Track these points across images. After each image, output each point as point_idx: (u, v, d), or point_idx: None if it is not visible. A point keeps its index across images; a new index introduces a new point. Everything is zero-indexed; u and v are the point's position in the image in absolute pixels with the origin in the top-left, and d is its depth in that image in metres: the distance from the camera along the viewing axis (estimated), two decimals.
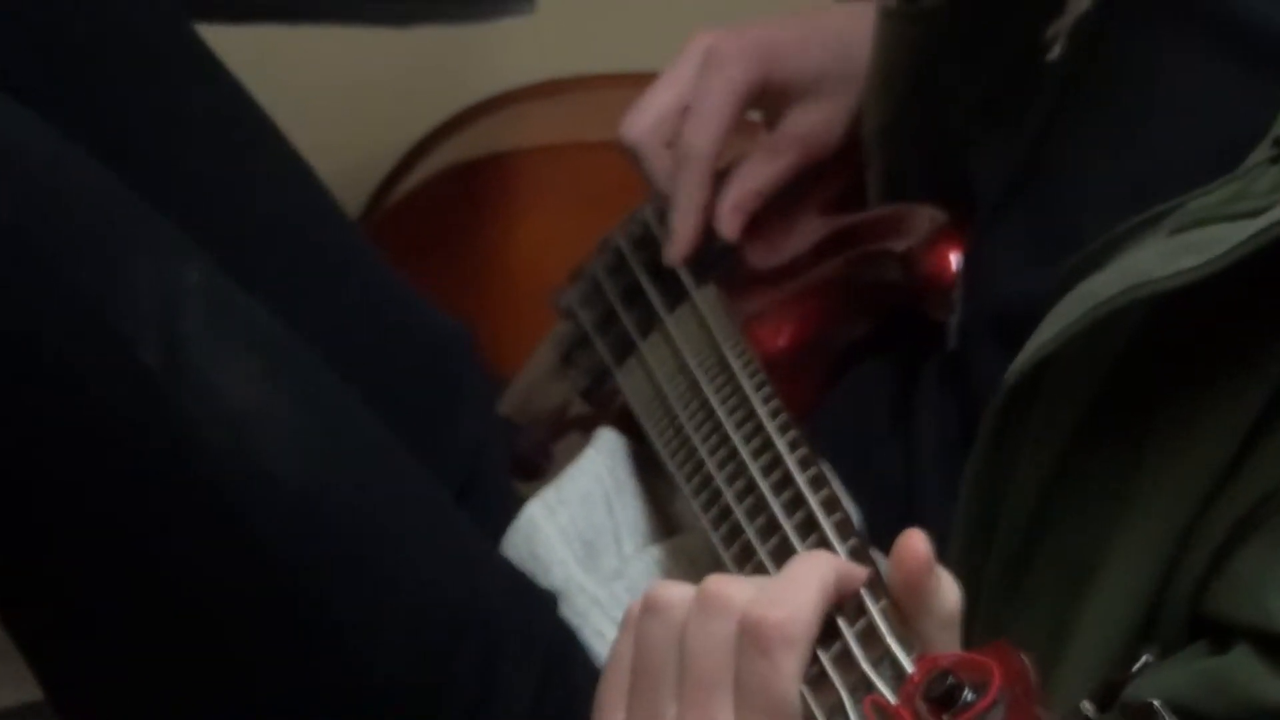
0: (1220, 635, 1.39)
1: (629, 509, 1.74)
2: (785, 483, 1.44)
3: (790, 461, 1.45)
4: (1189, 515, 1.42)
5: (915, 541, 1.20)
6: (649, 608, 1.28)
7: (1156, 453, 1.44)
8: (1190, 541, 1.41)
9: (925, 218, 1.69)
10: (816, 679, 1.23)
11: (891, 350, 1.74)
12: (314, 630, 1.67)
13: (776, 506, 1.41)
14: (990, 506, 1.45)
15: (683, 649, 1.26)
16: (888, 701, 1.15)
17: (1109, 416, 1.46)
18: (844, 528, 1.35)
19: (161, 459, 1.65)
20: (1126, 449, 1.44)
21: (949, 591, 1.23)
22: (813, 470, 1.44)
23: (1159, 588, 1.42)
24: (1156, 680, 1.29)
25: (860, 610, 1.25)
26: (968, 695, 1.10)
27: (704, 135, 1.78)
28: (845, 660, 1.22)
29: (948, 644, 1.25)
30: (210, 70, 2.00)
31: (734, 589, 1.25)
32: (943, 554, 1.32)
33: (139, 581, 1.69)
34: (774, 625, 1.21)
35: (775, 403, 1.56)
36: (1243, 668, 1.34)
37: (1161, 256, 1.39)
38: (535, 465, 1.83)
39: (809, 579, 1.25)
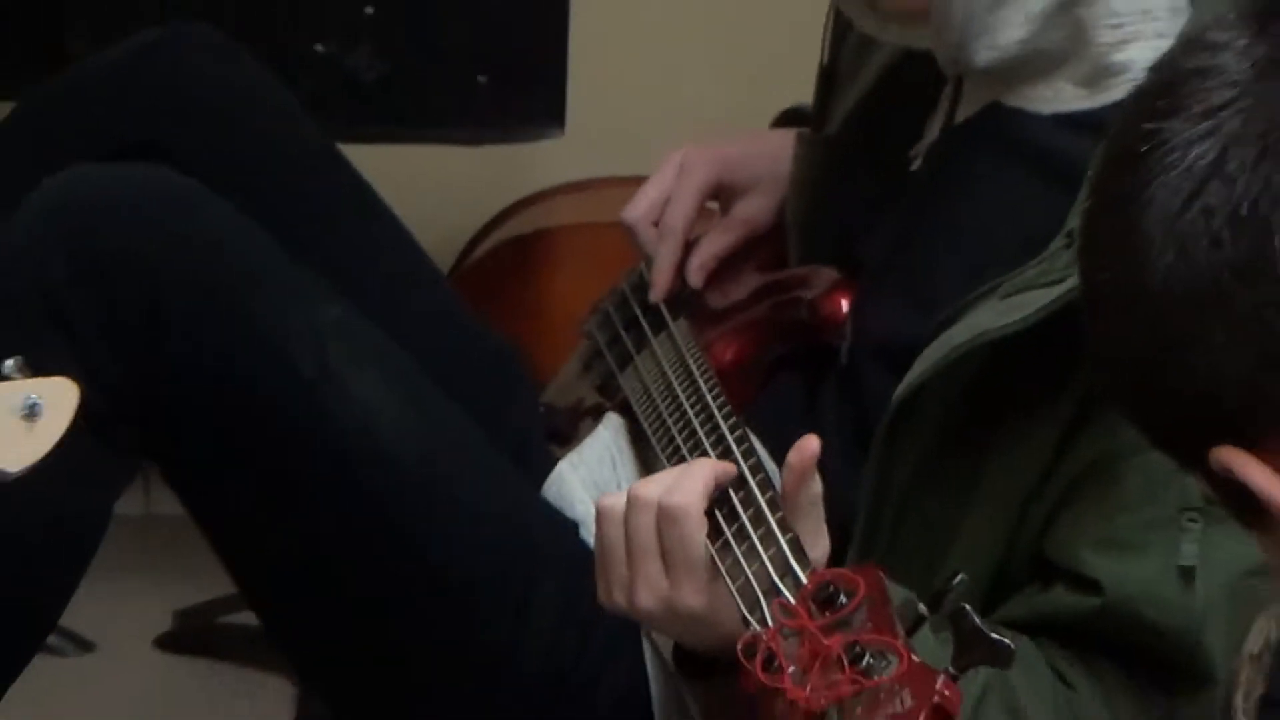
0: (1047, 576, 1.52)
1: (627, 466, 1.81)
2: (720, 440, 1.56)
3: (725, 429, 1.57)
4: (1023, 497, 1.53)
5: (811, 440, 1.39)
6: (601, 514, 1.47)
7: (997, 453, 1.54)
8: (1025, 515, 1.53)
9: (826, 275, 1.78)
10: (732, 579, 1.38)
11: (803, 365, 1.80)
12: (416, 548, 1.76)
13: (710, 450, 1.54)
14: (882, 485, 1.55)
15: (626, 535, 1.44)
16: (789, 602, 1.28)
17: (963, 427, 1.56)
18: (749, 457, 1.49)
19: (315, 441, 1.75)
20: (976, 449, 1.54)
21: (817, 483, 1.40)
22: (740, 433, 1.56)
23: (1005, 547, 1.53)
24: (1002, 612, 1.49)
25: (765, 524, 1.38)
26: (842, 599, 1.23)
27: (678, 218, 1.89)
28: (757, 570, 1.35)
29: (815, 519, 1.42)
30: (343, 169, 2.07)
31: (649, 489, 1.45)
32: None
33: (304, 522, 1.77)
34: (675, 505, 1.41)
35: (723, 398, 1.66)
36: (1057, 597, 1.49)
37: (997, 314, 1.50)
38: (565, 436, 1.90)
39: (695, 474, 1.44)
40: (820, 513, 1.42)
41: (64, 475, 1.43)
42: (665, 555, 1.42)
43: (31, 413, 1.39)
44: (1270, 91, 0.98)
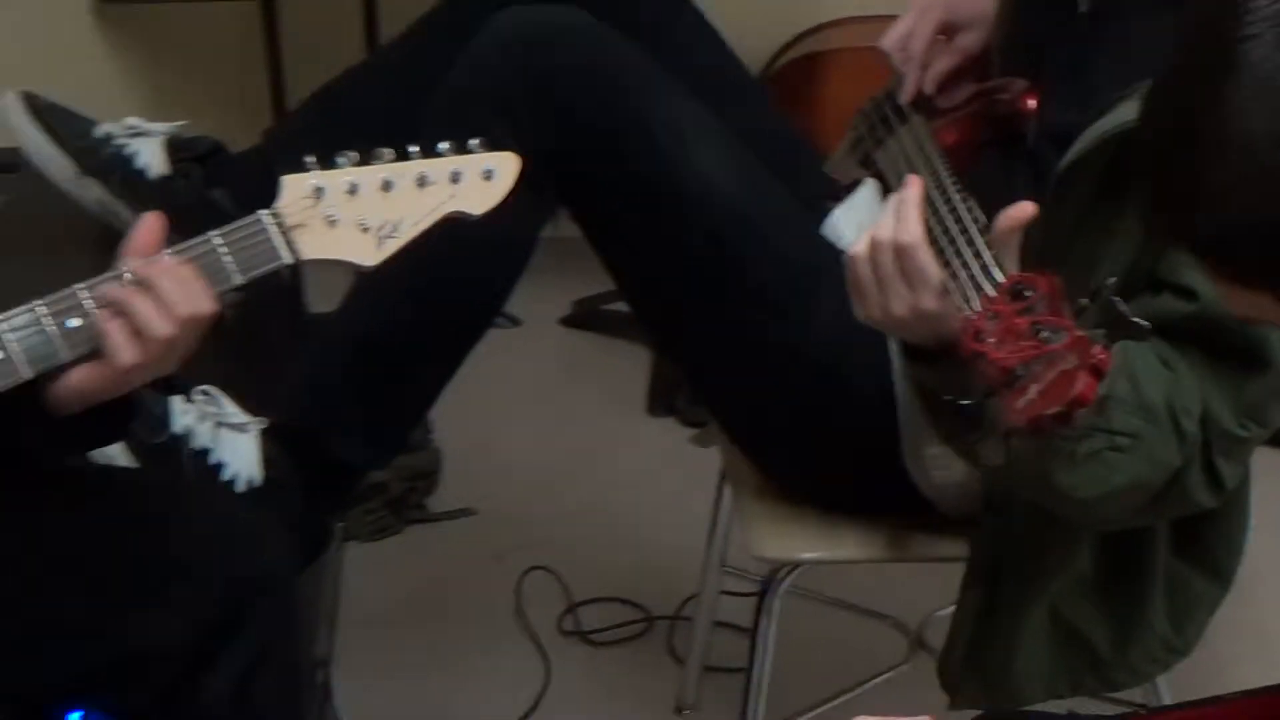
0: (1158, 287, 1.48)
1: (878, 214, 1.61)
2: (944, 193, 1.53)
3: (949, 186, 1.54)
4: (1143, 238, 1.48)
5: (1028, 205, 1.38)
6: (852, 259, 1.46)
7: (1130, 207, 1.47)
8: (1144, 248, 1.48)
9: (1019, 84, 1.74)
10: (953, 284, 1.39)
11: (1001, 146, 1.75)
12: (740, 264, 1.75)
13: (942, 206, 1.49)
14: (1053, 227, 1.48)
15: (874, 269, 1.44)
16: (991, 294, 1.30)
17: (1106, 190, 1.49)
18: (977, 218, 1.45)
19: (671, 193, 1.73)
20: (1114, 205, 1.48)
21: (1018, 236, 1.39)
22: (959, 188, 1.53)
23: (1131, 269, 1.48)
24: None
25: (974, 246, 1.40)
26: (1027, 293, 1.24)
27: (918, 45, 1.83)
28: (969, 277, 1.36)
29: (1012, 248, 1.40)
30: (690, 9, 2.03)
31: (882, 232, 1.44)
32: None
33: (661, 245, 1.77)
34: (907, 241, 1.41)
35: (947, 168, 1.62)
36: (1165, 302, 1.46)
37: (1134, 111, 1.33)
38: (837, 195, 1.86)
39: (910, 212, 1.44)
40: (1016, 243, 1.40)
41: (509, 214, 1.48)
42: (906, 276, 1.42)
43: (488, 175, 1.46)
44: None
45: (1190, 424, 1.44)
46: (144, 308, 1.29)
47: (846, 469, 1.77)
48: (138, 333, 1.30)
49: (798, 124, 2.12)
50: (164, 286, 1.30)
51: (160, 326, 1.29)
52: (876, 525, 1.77)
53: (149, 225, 1.37)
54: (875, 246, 1.44)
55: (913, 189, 1.47)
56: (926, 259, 1.41)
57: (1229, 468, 1.49)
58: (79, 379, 1.32)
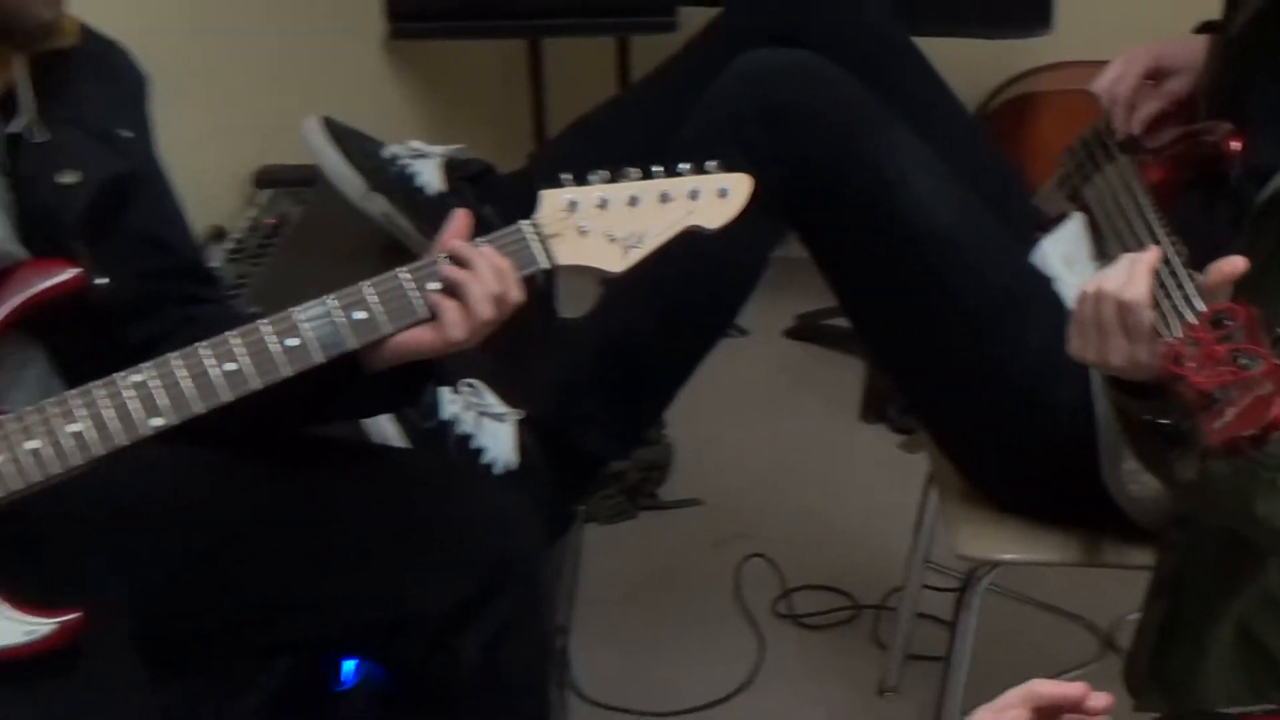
0: None
1: (1085, 246, 1.74)
2: (1150, 230, 1.52)
3: (1155, 224, 1.52)
4: None
5: (1239, 260, 1.31)
6: (1079, 299, 1.40)
7: None
8: None
9: (1223, 127, 1.68)
10: (1157, 313, 1.34)
11: (1203, 185, 1.69)
12: (953, 287, 1.72)
13: (1146, 239, 1.48)
14: (1251, 256, 1.37)
15: (1096, 317, 1.38)
16: (1191, 322, 1.26)
17: None
18: (1180, 251, 1.41)
19: (890, 219, 1.72)
20: None
21: (1228, 288, 1.32)
22: (1165, 226, 1.51)
23: None
24: None
25: (1180, 285, 1.34)
26: (1226, 322, 1.21)
27: (1126, 89, 1.79)
28: (1171, 305, 1.32)
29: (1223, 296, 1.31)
30: (912, 50, 2.01)
31: (1109, 284, 1.37)
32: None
33: (880, 266, 1.75)
34: (1131, 300, 1.34)
35: (1152, 204, 1.59)
36: None
37: None
38: (1045, 227, 1.82)
39: (1141, 273, 1.35)
40: (1227, 294, 1.33)
41: (743, 235, 1.49)
42: (1126, 330, 1.37)
43: (723, 193, 1.46)
44: None
45: None
46: (474, 288, 1.34)
47: (1046, 479, 1.72)
48: (467, 308, 1.34)
49: (1010, 160, 2.08)
50: (486, 272, 1.35)
51: (485, 308, 1.34)
52: (1072, 531, 1.73)
53: (462, 221, 1.40)
54: (1100, 296, 1.39)
55: (1151, 254, 1.41)
56: (1146, 317, 1.35)
57: None
58: (408, 339, 1.36)
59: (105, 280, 1.36)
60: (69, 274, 1.33)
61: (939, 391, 1.80)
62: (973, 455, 1.81)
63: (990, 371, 1.71)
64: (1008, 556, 1.74)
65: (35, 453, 1.25)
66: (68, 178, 1.34)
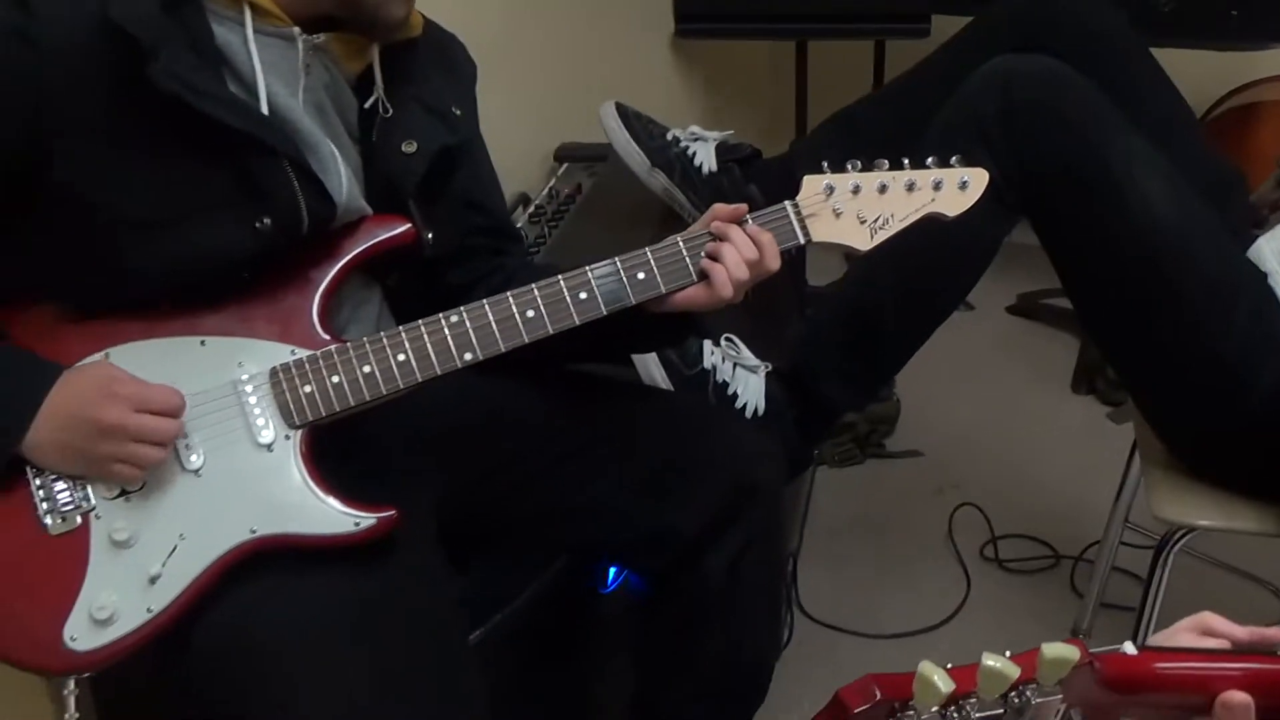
0: None
1: None
2: None
3: None
4: None
5: None
6: None
7: None
8: None
9: None
10: None
11: None
12: (1169, 276, 1.63)
13: None
14: None
15: None
16: None
17: None
18: None
19: (1117, 213, 1.63)
20: None
21: None
22: None
23: None
24: None
25: None
26: None
27: None
28: None
29: None
30: (1148, 58, 1.91)
31: None
32: None
33: (1104, 254, 1.67)
34: None
35: None
36: None
37: None
38: (1261, 222, 1.76)
39: None
40: None
41: (979, 220, 1.45)
42: None
43: (963, 186, 1.45)
44: None
45: None
46: (732, 258, 1.34)
47: (1245, 455, 1.65)
48: (733, 274, 1.34)
49: (1232, 162, 1.96)
50: (752, 243, 1.35)
51: (741, 272, 1.34)
52: (1267, 504, 1.65)
53: (731, 204, 1.40)
54: None
55: None
56: None
57: None
58: (683, 296, 1.36)
59: (431, 236, 1.41)
60: (404, 228, 1.37)
61: (1149, 368, 1.73)
62: (1177, 427, 1.74)
63: (1198, 353, 1.64)
64: (1204, 522, 1.67)
65: (370, 375, 1.30)
66: (408, 147, 1.37)
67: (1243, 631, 0.91)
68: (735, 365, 1.80)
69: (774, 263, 1.36)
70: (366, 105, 1.38)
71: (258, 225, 1.24)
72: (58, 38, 1.16)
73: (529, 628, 1.52)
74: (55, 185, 1.18)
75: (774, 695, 1.65)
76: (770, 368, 1.83)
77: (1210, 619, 0.92)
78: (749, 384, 1.79)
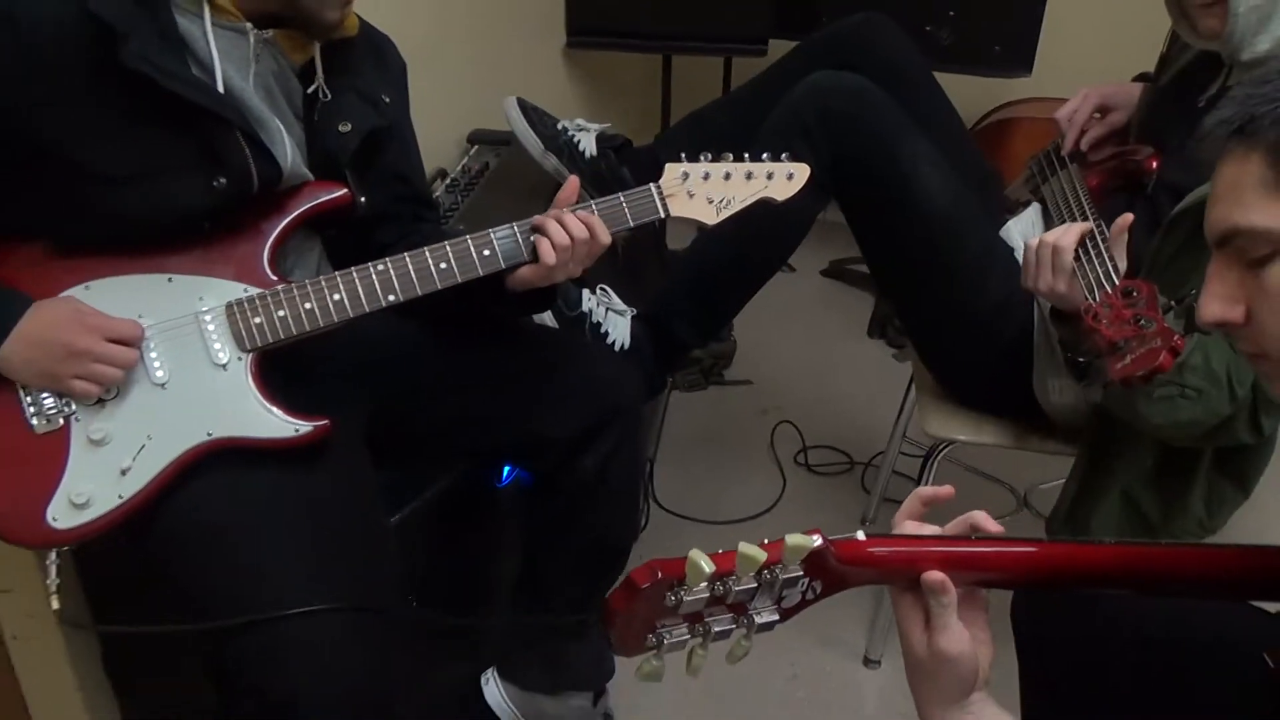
0: None
1: (1039, 226, 1.66)
2: (1085, 216, 1.46)
3: (1090, 213, 1.46)
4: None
5: (1129, 215, 1.25)
6: (1027, 248, 1.35)
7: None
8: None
9: (1146, 150, 1.62)
10: (1082, 280, 1.28)
11: (1128, 191, 1.62)
12: (945, 249, 1.63)
13: (1079, 219, 1.41)
14: (1159, 252, 1.37)
15: (1037, 257, 1.32)
16: (1108, 291, 1.21)
17: (1198, 234, 1.42)
18: (1105, 236, 1.34)
19: (905, 202, 1.64)
20: (1202, 245, 1.40)
21: (1125, 236, 1.26)
22: (1095, 215, 1.44)
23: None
24: None
25: (1102, 257, 1.28)
26: (1133, 293, 1.16)
27: (1079, 118, 1.72)
28: (1095, 278, 1.26)
29: (1121, 249, 1.27)
30: (933, 81, 1.89)
31: (1049, 236, 1.33)
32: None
33: (894, 233, 1.67)
34: (1061, 244, 1.30)
35: (1089, 201, 1.54)
36: None
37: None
38: (1011, 210, 1.74)
39: (1072, 230, 1.30)
40: (1124, 241, 1.31)
41: (800, 201, 1.42)
42: (1055, 267, 1.34)
43: (790, 176, 1.42)
44: None
45: (1242, 390, 1.33)
46: (558, 235, 1.30)
47: (995, 386, 1.68)
48: (556, 247, 1.29)
49: (991, 163, 1.98)
50: (574, 225, 1.30)
51: (566, 245, 1.29)
52: (1008, 423, 1.69)
53: (571, 186, 1.35)
54: (1042, 242, 1.36)
55: (1084, 224, 1.37)
56: (1067, 257, 1.32)
57: (1269, 420, 1.38)
58: (522, 276, 1.32)
59: (364, 200, 1.36)
60: (341, 192, 1.32)
61: (925, 319, 1.74)
62: (944, 364, 1.75)
63: (962, 309, 1.66)
64: (961, 437, 1.70)
65: (310, 311, 1.26)
66: (344, 126, 1.32)
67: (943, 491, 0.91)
68: (607, 309, 1.77)
69: (605, 238, 1.31)
70: (309, 91, 1.32)
71: (215, 184, 1.20)
72: (40, 21, 1.11)
73: (439, 514, 1.49)
74: (45, 143, 1.13)
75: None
76: (635, 312, 1.80)
77: (977, 517, 0.91)
78: (618, 324, 1.77)
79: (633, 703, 1.78)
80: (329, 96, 1.32)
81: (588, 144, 1.97)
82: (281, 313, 1.24)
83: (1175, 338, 1.11)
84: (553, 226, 1.29)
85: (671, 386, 2.49)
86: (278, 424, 1.23)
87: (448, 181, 2.18)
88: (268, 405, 1.22)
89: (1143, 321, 1.14)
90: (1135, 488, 1.55)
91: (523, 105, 2.00)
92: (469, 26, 2.49)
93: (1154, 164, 1.61)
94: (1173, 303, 1.17)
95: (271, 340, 1.24)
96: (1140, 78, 1.81)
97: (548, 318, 1.71)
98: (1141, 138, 1.69)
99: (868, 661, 1.93)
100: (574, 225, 1.29)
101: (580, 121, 2.01)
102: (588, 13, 2.61)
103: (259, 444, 1.21)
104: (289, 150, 1.27)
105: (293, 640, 1.08)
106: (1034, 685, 1.13)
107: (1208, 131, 0.80)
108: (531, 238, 1.31)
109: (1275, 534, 2.17)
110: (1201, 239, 1.35)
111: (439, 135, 2.30)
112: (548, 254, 1.28)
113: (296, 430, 1.22)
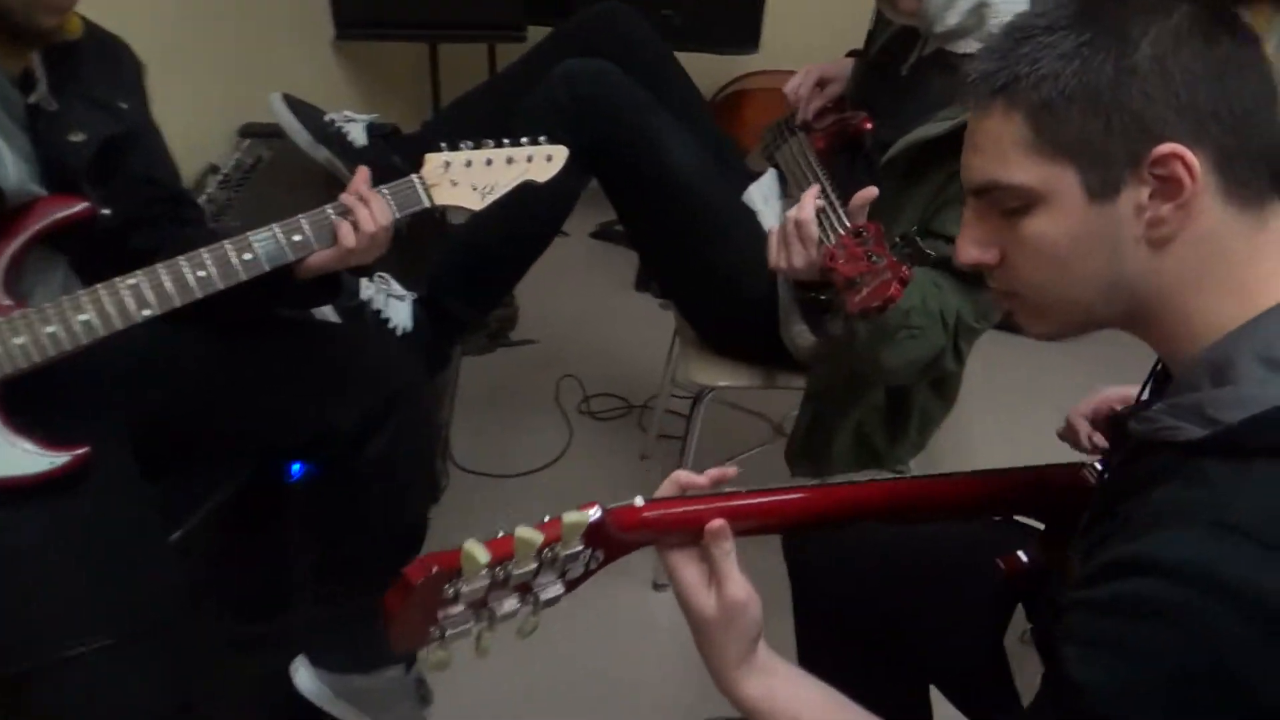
0: (935, 235, 1.32)
1: (775, 189, 1.66)
2: (818, 178, 1.41)
3: (820, 176, 1.42)
4: (926, 202, 1.34)
5: (874, 189, 1.22)
6: (771, 230, 1.29)
7: (923, 186, 1.35)
8: (926, 210, 1.34)
9: (861, 115, 1.59)
10: (820, 226, 1.23)
11: (849, 150, 1.59)
12: (694, 213, 1.58)
13: (812, 182, 1.37)
14: (879, 198, 1.31)
15: (783, 235, 1.27)
16: (842, 234, 1.17)
17: (908, 176, 1.35)
18: (834, 190, 1.33)
19: (656, 171, 1.56)
20: (915, 183, 1.35)
21: (866, 207, 1.24)
22: (825, 176, 1.41)
23: (920, 223, 1.35)
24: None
25: (837, 211, 1.24)
26: (863, 233, 1.13)
27: (804, 90, 1.68)
28: (830, 224, 1.23)
29: (862, 217, 1.24)
30: (671, 60, 1.81)
31: (789, 213, 1.25)
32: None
33: (649, 201, 1.61)
34: (802, 218, 1.23)
35: (818, 163, 1.51)
36: (936, 245, 1.26)
37: (927, 130, 1.32)
38: (751, 178, 1.70)
39: (808, 202, 1.24)
40: (865, 209, 1.26)
41: (563, 178, 1.34)
42: (802, 241, 1.27)
43: (549, 159, 1.33)
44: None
45: (950, 321, 1.34)
46: (364, 215, 1.20)
47: (745, 334, 1.63)
48: (357, 228, 1.20)
49: (730, 134, 1.94)
50: (374, 205, 1.21)
51: (369, 226, 1.20)
52: (760, 366, 1.67)
53: (363, 173, 1.24)
54: (786, 221, 1.30)
55: (812, 190, 1.32)
56: (811, 228, 1.26)
57: (967, 347, 1.40)
58: (318, 259, 1.20)
59: (108, 211, 1.16)
60: (79, 207, 1.12)
61: (681, 279, 1.68)
62: (699, 317, 1.70)
63: (712, 267, 1.60)
64: (720, 383, 1.66)
65: (53, 335, 1.06)
66: (77, 136, 1.12)
67: (703, 478, 0.83)
68: (386, 295, 1.64)
69: (387, 219, 1.21)
70: (31, 101, 1.10)
71: None
72: None
73: (231, 517, 1.32)
74: None
75: (438, 531, 1.54)
76: (415, 296, 1.67)
77: (679, 475, 0.83)
78: (398, 309, 1.63)
79: None
80: (55, 106, 1.11)
81: (356, 134, 1.81)
82: (20, 340, 1.04)
83: (903, 269, 1.09)
84: (363, 212, 1.19)
85: (462, 353, 2.36)
86: (30, 459, 1.03)
87: (220, 177, 1.97)
88: (16, 440, 1.02)
89: (874, 257, 1.11)
90: (866, 423, 1.56)
91: (289, 100, 1.82)
92: (237, 20, 2.27)
93: (868, 125, 1.59)
94: (897, 239, 1.14)
95: (11, 371, 1.04)
96: (851, 53, 1.78)
97: (329, 311, 1.53)
98: (856, 104, 1.66)
99: (656, 586, 1.87)
100: (380, 211, 1.20)
101: (348, 113, 1.85)
102: (354, 5, 2.42)
103: (13, 483, 1.02)
104: (10, 166, 1.07)
105: (74, 679, 0.96)
106: (805, 613, 1.13)
107: (970, 82, 0.73)
108: (300, 237, 1.17)
109: (974, 435, 2.25)
110: (909, 182, 1.34)
111: (207, 129, 2.10)
112: (347, 234, 1.18)
113: (52, 464, 1.03)
